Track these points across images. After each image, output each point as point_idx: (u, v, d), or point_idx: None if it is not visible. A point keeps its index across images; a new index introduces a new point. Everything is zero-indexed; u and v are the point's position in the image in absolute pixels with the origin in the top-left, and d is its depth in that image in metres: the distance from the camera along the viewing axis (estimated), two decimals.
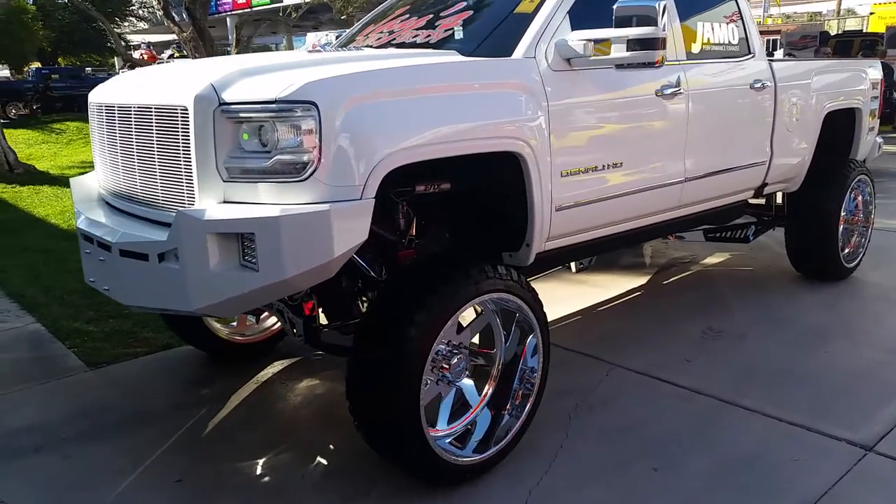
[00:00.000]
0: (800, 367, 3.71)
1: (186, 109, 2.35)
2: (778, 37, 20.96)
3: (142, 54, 24.28)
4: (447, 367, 2.68)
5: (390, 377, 2.44)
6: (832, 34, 20.94)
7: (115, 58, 28.90)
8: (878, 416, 3.20)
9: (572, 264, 3.93)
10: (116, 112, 2.72)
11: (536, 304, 2.88)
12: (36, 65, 26.27)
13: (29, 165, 10.95)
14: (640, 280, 5.22)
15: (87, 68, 24.85)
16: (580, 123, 3.10)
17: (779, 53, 15.56)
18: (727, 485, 2.75)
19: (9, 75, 27.27)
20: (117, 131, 2.73)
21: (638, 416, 3.25)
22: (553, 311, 4.58)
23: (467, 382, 2.87)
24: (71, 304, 4.76)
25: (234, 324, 3.87)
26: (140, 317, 4.42)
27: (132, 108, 2.62)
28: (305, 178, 2.28)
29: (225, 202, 2.38)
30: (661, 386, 3.55)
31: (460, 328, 2.74)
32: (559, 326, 4.35)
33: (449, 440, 2.74)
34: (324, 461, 2.96)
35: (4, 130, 11.12)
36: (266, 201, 2.34)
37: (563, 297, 4.76)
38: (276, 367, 3.85)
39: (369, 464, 2.80)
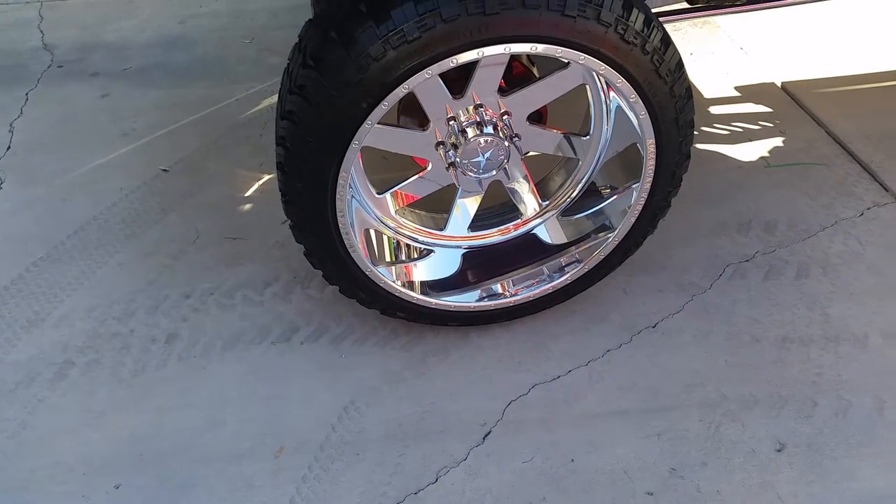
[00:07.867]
0: None
1: None
2: None
3: None
4: (456, 143, 1.51)
5: (303, 106, 1.37)
6: None
7: None
8: None
9: None
10: None
11: (659, 83, 1.42)
12: None
13: None
14: None
15: None
16: None
17: None
18: None
19: None
20: None
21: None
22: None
23: (514, 184, 1.70)
24: None
25: None
26: None
27: None
28: None
29: None
30: None
31: (516, 80, 1.56)
32: (829, 92, 2.52)
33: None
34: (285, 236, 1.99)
35: None
36: None
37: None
38: None
39: None
